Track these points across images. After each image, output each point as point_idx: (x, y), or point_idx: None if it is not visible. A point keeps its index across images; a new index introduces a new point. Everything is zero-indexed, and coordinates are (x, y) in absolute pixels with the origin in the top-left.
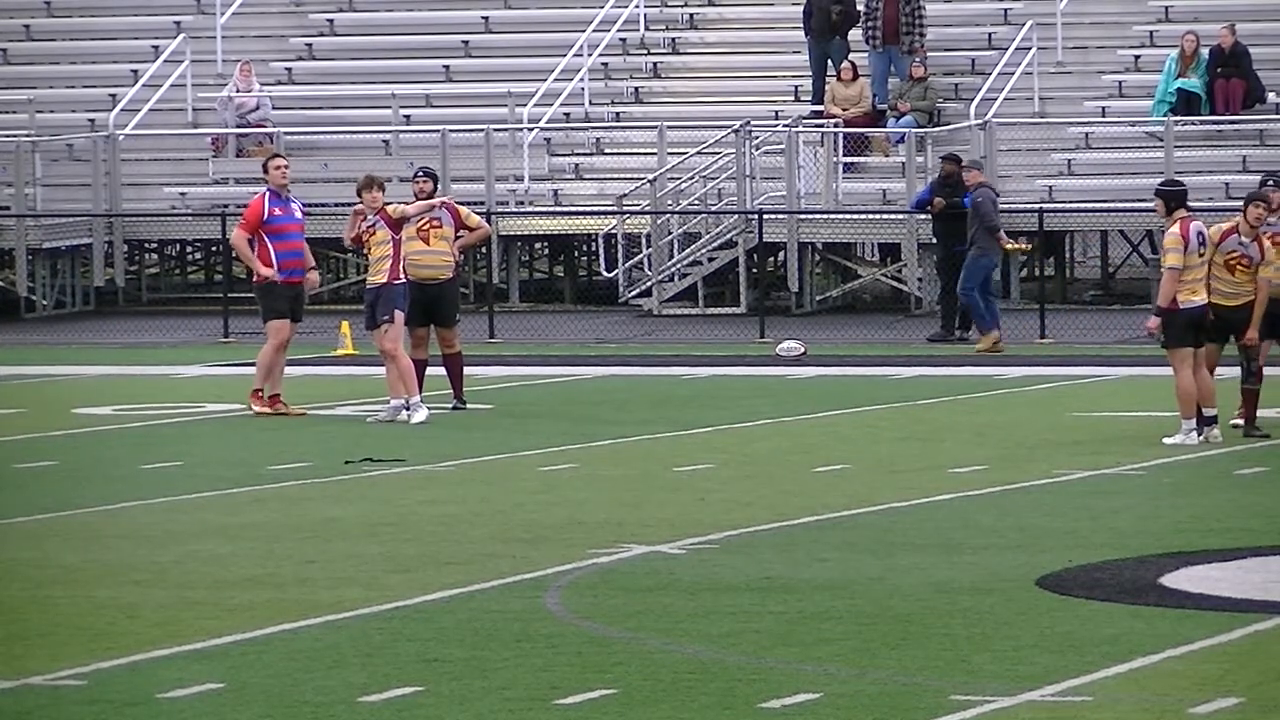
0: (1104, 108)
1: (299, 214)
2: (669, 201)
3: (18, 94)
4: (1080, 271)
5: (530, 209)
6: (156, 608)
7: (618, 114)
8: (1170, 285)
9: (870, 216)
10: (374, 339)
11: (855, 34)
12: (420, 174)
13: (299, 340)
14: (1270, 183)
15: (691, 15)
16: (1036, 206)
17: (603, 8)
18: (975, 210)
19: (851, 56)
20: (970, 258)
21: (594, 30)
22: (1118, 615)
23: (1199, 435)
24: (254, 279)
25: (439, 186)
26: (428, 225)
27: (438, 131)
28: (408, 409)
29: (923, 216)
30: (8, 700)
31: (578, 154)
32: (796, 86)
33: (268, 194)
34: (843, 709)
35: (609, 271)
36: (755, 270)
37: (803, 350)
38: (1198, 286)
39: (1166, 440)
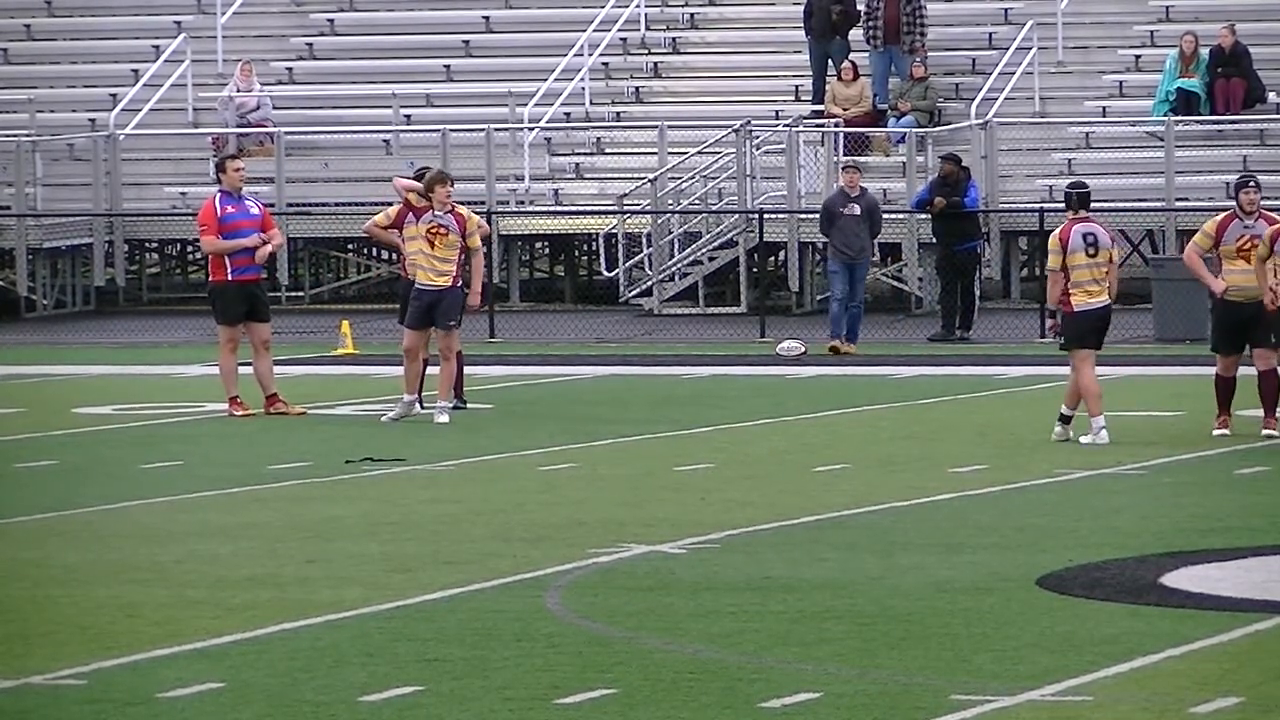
0: (1104, 107)
1: (255, 210)
2: (669, 201)
3: (18, 94)
4: None
5: (531, 209)
6: (157, 607)
7: (618, 114)
8: (1052, 287)
9: None
10: (406, 340)
11: (856, 34)
12: (416, 174)
13: (299, 339)
14: (1251, 184)
15: (692, 15)
16: (1037, 206)
17: (603, 7)
18: (873, 216)
19: (852, 56)
20: (866, 268)
21: (594, 30)
22: (1118, 615)
23: (1063, 430)
24: (209, 279)
25: None
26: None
27: (438, 131)
28: (423, 407)
29: (923, 216)
30: (8, 700)
31: (578, 154)
32: (797, 86)
33: (219, 195)
34: (843, 709)
35: (609, 271)
36: (756, 270)
37: (803, 350)
38: (1093, 288)
39: (1083, 440)
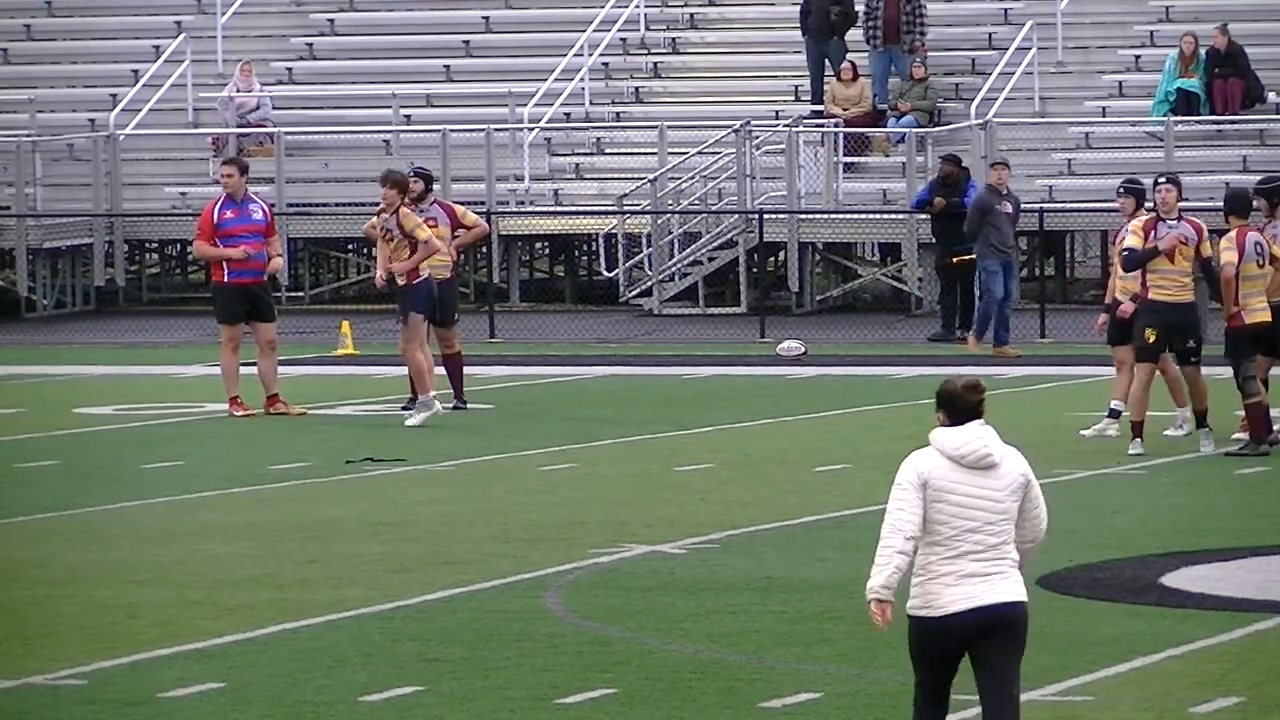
0: (1104, 107)
1: (259, 215)
2: (669, 201)
3: (18, 94)
4: (1080, 271)
5: (530, 209)
6: (157, 607)
7: (618, 114)
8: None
9: (870, 216)
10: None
11: (855, 34)
12: (411, 174)
13: (299, 339)
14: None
15: (692, 15)
16: (1037, 206)
17: (603, 7)
18: (1017, 212)
19: (852, 56)
20: (1016, 265)
21: (594, 30)
22: (1118, 615)
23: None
24: (210, 279)
25: (431, 188)
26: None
27: (438, 131)
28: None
29: (923, 216)
30: (8, 700)
31: (578, 154)
32: (797, 86)
33: (221, 198)
34: (843, 709)
35: (609, 271)
36: (755, 270)
37: (803, 350)
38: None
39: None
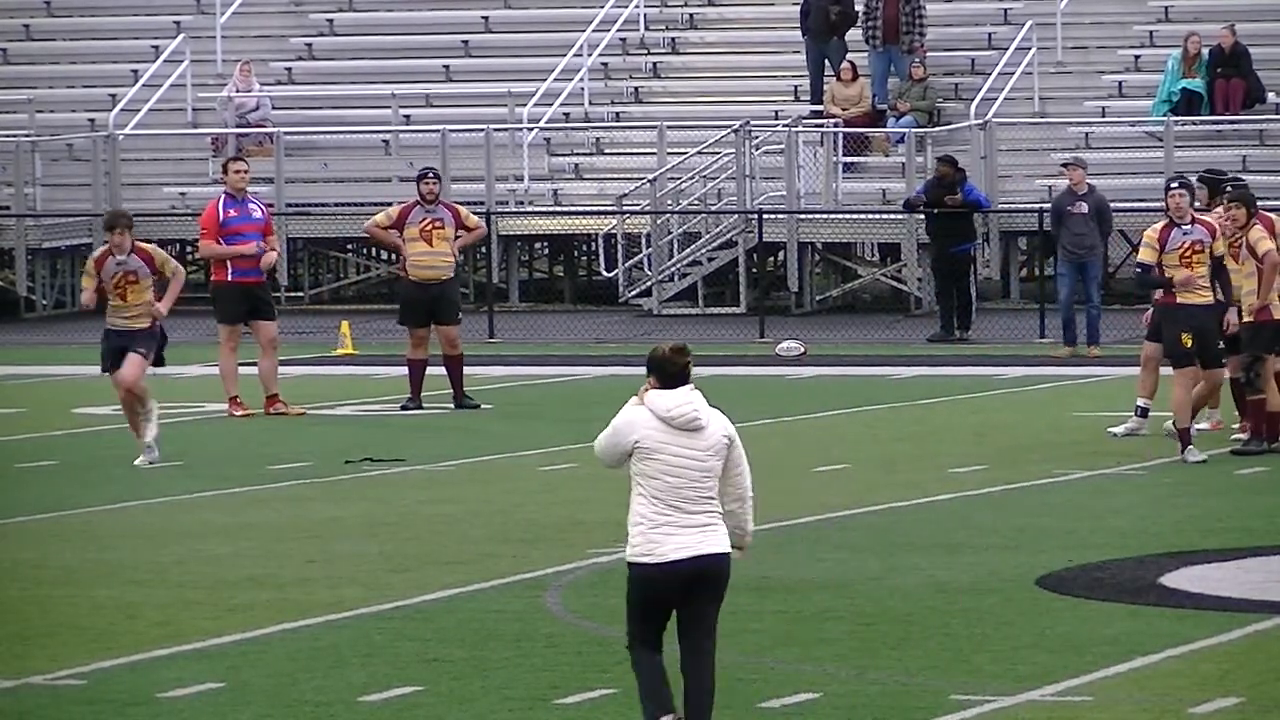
0: (1104, 108)
1: (258, 213)
2: (669, 201)
3: (18, 94)
4: None
5: (530, 209)
6: (156, 608)
7: (617, 114)
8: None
9: (870, 216)
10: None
11: (854, 34)
12: (430, 174)
13: (300, 339)
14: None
15: (691, 15)
16: (1036, 206)
17: (603, 8)
18: (1102, 213)
19: (851, 56)
20: (1098, 268)
21: (594, 30)
22: (1118, 615)
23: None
24: (210, 278)
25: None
26: (430, 226)
27: (438, 131)
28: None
29: (921, 216)
30: (8, 700)
31: (577, 154)
32: (796, 86)
33: (223, 197)
34: (843, 709)
35: (609, 271)
36: (755, 270)
37: (803, 350)
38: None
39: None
